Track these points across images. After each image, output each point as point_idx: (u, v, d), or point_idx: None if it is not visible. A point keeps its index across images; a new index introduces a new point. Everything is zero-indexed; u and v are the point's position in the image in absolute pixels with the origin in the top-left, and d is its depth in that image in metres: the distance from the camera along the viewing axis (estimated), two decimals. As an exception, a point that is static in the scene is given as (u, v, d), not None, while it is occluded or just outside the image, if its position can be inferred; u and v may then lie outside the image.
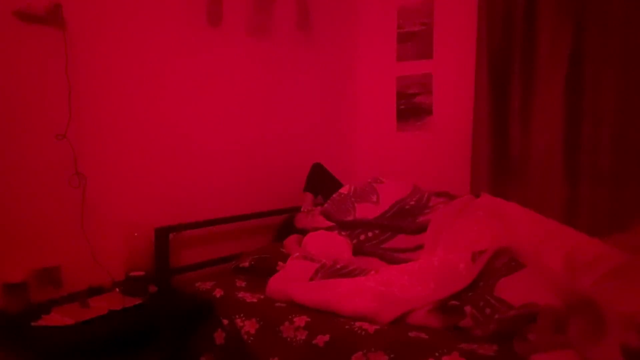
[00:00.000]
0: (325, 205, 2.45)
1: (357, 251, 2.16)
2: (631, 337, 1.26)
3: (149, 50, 2.10)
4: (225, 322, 1.82)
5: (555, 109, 2.49)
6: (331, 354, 1.55)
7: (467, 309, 1.54)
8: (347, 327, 1.60)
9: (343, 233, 2.25)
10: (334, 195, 2.46)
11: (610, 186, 2.36)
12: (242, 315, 1.79)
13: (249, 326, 1.75)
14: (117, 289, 1.90)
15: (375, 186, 2.44)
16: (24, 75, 1.75)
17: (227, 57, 2.44)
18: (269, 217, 2.58)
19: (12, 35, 1.71)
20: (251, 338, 1.73)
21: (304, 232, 2.34)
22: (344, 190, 2.47)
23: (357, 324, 1.60)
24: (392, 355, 1.43)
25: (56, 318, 1.63)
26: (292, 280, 1.88)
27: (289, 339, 1.65)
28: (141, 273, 1.91)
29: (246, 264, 2.13)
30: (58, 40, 1.80)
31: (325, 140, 3.06)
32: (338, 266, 1.91)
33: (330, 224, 2.32)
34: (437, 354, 1.39)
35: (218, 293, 1.92)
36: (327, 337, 1.58)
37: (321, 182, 2.63)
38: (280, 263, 2.09)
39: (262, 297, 1.88)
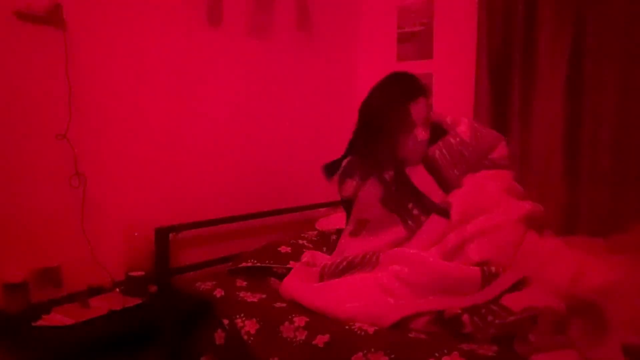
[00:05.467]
0: None
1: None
2: (632, 337, 1.26)
3: (149, 50, 2.10)
4: (226, 322, 1.81)
5: (555, 108, 2.49)
6: (331, 354, 1.55)
7: (465, 318, 1.52)
8: (347, 327, 1.60)
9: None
10: None
11: (611, 186, 2.36)
12: (242, 315, 1.79)
13: (249, 326, 1.75)
14: (117, 289, 1.90)
15: None
16: (24, 75, 1.75)
17: (227, 57, 2.44)
18: (269, 217, 2.58)
19: (12, 35, 1.71)
20: (251, 338, 1.73)
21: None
22: None
23: (357, 324, 1.60)
24: (392, 356, 1.43)
25: (56, 318, 1.63)
26: (300, 282, 1.88)
27: (289, 339, 1.65)
28: (141, 273, 1.91)
29: (248, 264, 2.13)
30: (58, 40, 1.80)
31: (326, 140, 3.06)
32: (342, 265, 1.88)
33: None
34: (437, 355, 1.39)
35: (218, 293, 1.92)
36: (326, 338, 1.58)
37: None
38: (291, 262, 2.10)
39: (262, 297, 1.89)
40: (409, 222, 1.88)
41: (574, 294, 1.48)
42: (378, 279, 1.75)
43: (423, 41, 3.00)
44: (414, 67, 3.03)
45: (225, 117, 2.45)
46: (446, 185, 1.92)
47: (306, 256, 2.07)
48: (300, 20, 2.81)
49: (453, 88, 2.90)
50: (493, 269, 1.67)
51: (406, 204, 1.87)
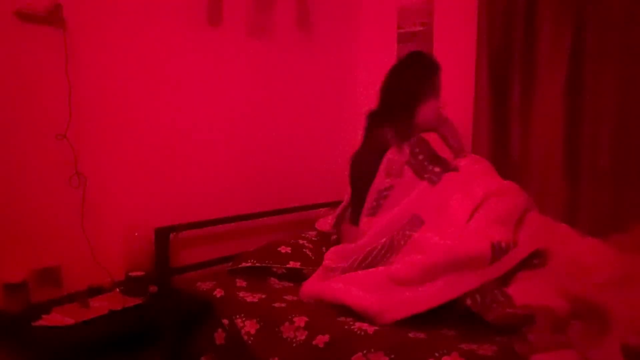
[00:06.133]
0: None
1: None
2: (632, 337, 1.26)
3: (149, 50, 2.10)
4: (226, 322, 1.82)
5: (555, 108, 2.49)
6: (331, 354, 1.55)
7: (468, 301, 1.58)
8: (346, 327, 1.60)
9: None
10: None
11: (611, 186, 2.36)
12: (242, 315, 1.79)
13: (249, 326, 1.75)
14: (117, 289, 1.90)
15: None
16: (24, 75, 1.75)
17: (227, 57, 2.44)
18: (269, 217, 2.58)
19: (12, 35, 1.71)
20: (251, 338, 1.73)
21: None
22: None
23: (357, 324, 1.61)
24: (392, 356, 1.44)
25: (56, 318, 1.63)
26: (321, 281, 1.91)
27: (289, 339, 1.65)
28: (141, 273, 1.91)
29: (248, 264, 2.14)
30: (58, 40, 1.80)
31: (326, 140, 3.06)
32: (359, 259, 1.89)
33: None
34: (437, 354, 1.39)
35: (218, 293, 1.92)
36: (326, 338, 1.58)
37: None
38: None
39: (262, 297, 1.89)
40: (433, 178, 2.08)
41: (580, 296, 1.48)
42: (390, 271, 1.76)
43: (423, 41, 2.99)
44: (414, 67, 3.03)
45: (225, 117, 2.45)
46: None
47: (329, 257, 2.02)
48: (300, 20, 2.80)
49: (453, 88, 2.90)
50: (503, 244, 1.71)
51: (428, 165, 2.09)
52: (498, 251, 1.68)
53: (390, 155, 2.12)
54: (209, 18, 2.33)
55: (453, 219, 1.89)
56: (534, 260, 1.70)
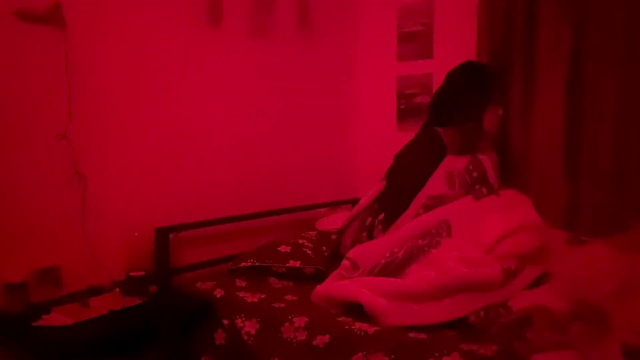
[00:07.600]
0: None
1: None
2: (632, 337, 1.26)
3: (149, 50, 2.10)
4: (226, 322, 1.82)
5: (555, 109, 2.48)
6: (331, 354, 1.55)
7: (472, 319, 1.62)
8: (346, 327, 1.60)
9: None
10: None
11: (611, 186, 2.36)
12: (242, 315, 1.79)
13: (249, 326, 1.75)
14: (117, 289, 1.90)
15: None
16: (24, 75, 1.75)
17: (227, 57, 2.43)
18: (269, 217, 2.58)
19: (12, 35, 1.71)
20: (251, 338, 1.73)
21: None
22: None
23: (357, 324, 1.61)
24: (392, 356, 1.44)
25: (56, 318, 1.64)
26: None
27: (289, 340, 1.65)
28: (141, 273, 1.92)
29: (248, 264, 2.14)
30: (58, 40, 1.80)
31: (325, 140, 3.06)
32: (376, 270, 1.89)
33: None
34: (437, 355, 1.39)
35: (218, 293, 1.92)
36: (326, 338, 1.58)
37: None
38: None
39: (262, 297, 1.89)
40: (479, 195, 2.19)
41: (579, 298, 1.48)
42: (400, 285, 1.77)
43: (423, 41, 2.99)
44: (414, 67, 3.03)
45: (225, 117, 2.45)
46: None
47: (354, 254, 1.99)
48: (300, 20, 2.80)
49: (453, 88, 2.89)
50: (513, 266, 1.78)
51: (476, 184, 2.21)
52: (508, 274, 1.76)
53: (449, 167, 2.22)
54: (209, 18, 2.33)
55: (480, 237, 1.94)
56: (540, 280, 1.75)
